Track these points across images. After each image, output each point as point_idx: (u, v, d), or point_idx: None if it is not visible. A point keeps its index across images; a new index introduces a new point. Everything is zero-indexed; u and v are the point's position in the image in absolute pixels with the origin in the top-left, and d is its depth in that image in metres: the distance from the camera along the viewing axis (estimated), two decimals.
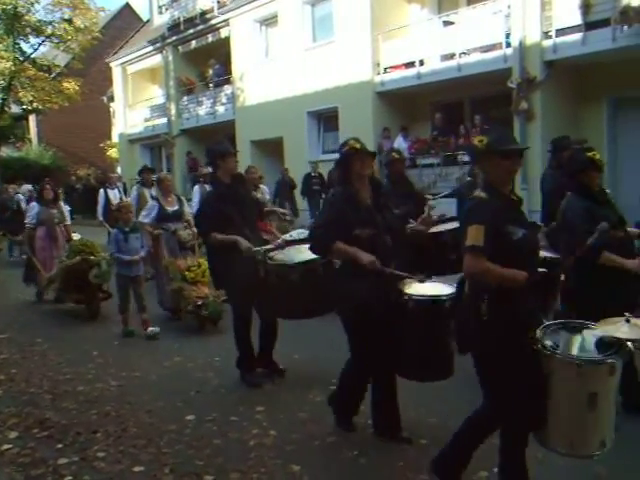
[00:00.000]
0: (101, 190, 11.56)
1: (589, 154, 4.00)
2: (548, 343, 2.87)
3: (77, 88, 22.74)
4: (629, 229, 4.20)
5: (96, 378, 5.32)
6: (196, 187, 9.92)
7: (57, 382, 5.27)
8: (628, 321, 2.89)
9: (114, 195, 11.39)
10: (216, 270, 5.09)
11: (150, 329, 6.62)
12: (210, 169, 10.02)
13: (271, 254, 4.77)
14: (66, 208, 9.16)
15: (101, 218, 11.15)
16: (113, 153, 27.78)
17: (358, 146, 3.68)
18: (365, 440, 3.75)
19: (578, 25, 11.13)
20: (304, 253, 4.52)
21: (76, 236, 8.66)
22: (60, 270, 7.69)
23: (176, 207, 7.37)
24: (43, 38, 22.89)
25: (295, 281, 4.47)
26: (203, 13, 19.77)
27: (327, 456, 3.74)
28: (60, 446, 3.98)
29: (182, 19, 20.59)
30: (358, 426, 3.99)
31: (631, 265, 3.83)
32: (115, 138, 27.08)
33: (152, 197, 7.98)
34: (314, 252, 3.93)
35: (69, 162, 28.25)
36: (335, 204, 3.74)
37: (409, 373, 3.80)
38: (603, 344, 2.84)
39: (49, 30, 22.57)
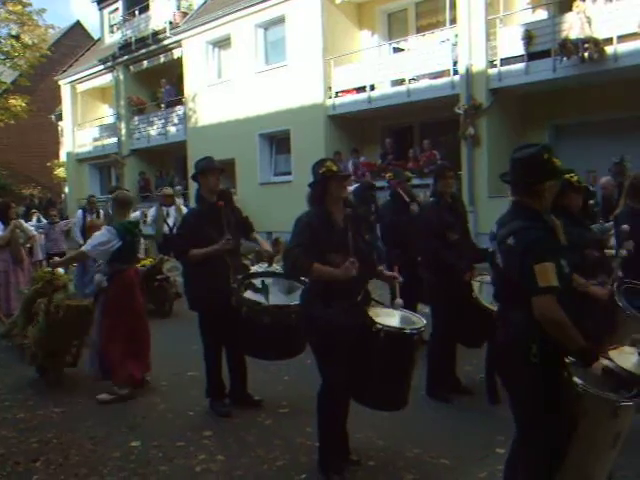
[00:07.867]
0: (79, 211, 10.29)
1: (566, 176, 3.86)
2: (578, 381, 2.66)
3: (24, 105, 22.22)
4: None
5: (37, 405, 5.14)
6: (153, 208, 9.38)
7: None
8: None
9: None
10: (191, 293, 4.92)
11: None
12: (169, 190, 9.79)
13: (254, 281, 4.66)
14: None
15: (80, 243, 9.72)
16: (60, 172, 27.14)
17: (335, 168, 3.60)
18: (313, 463, 3.72)
19: (521, 55, 11.66)
20: (285, 293, 4.49)
21: None
22: (22, 304, 6.47)
23: None
24: None
25: (265, 323, 4.34)
26: (155, 33, 19.73)
27: None
28: None
29: (134, 39, 20.50)
30: (311, 450, 3.91)
31: (599, 293, 3.78)
32: (63, 157, 26.50)
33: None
34: (291, 274, 3.71)
35: (14, 181, 27.45)
36: (310, 225, 3.57)
37: (370, 402, 3.79)
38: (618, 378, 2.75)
39: None
